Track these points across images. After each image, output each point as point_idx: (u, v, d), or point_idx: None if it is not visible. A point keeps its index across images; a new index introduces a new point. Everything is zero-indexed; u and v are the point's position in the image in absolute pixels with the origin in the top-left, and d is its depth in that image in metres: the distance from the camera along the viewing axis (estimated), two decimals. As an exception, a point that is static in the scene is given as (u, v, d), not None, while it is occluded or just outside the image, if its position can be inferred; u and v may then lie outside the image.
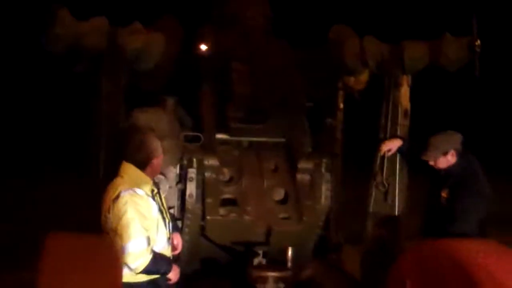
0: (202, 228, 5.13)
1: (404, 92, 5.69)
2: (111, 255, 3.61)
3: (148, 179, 4.07)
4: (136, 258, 3.81)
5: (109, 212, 3.93)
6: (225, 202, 5.26)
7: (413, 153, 5.34)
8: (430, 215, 5.15)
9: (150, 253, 3.87)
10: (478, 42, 5.30)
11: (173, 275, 4.09)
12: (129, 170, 4.10)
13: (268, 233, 5.10)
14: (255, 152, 5.60)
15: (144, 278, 3.98)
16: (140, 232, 3.84)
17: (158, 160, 4.18)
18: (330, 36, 5.87)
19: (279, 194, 5.43)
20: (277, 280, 4.56)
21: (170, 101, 5.81)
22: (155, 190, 4.20)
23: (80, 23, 4.94)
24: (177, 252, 4.42)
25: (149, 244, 3.87)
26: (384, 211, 5.63)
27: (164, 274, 4.02)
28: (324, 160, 5.41)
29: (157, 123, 5.51)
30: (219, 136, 5.55)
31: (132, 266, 3.82)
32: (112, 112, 5.19)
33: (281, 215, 5.25)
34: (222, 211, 5.13)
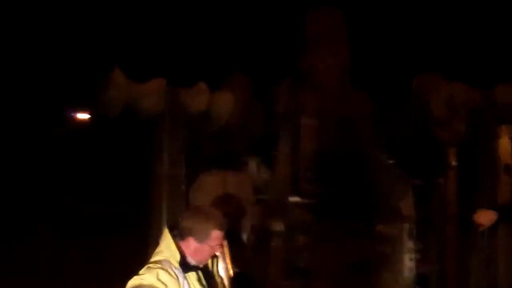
0: None
1: (504, 144, 4.89)
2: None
3: (178, 256, 3.53)
4: None
5: None
6: (295, 272, 4.74)
7: None
8: None
9: None
10: None
11: None
12: (165, 238, 3.66)
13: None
14: (333, 216, 5.05)
15: None
16: None
17: (200, 245, 3.36)
18: (416, 84, 5.25)
19: (357, 263, 4.80)
20: None
21: (252, 163, 5.51)
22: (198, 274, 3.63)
23: (136, 85, 4.79)
24: None
25: None
26: (486, 283, 4.77)
27: None
28: (406, 226, 4.72)
29: (223, 187, 5.21)
30: (293, 199, 5.09)
31: None
32: (173, 174, 4.94)
33: None
34: (286, 283, 4.60)
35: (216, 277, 3.69)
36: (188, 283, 3.45)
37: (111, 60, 4.91)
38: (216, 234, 3.47)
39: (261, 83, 5.79)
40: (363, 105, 5.39)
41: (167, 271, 3.35)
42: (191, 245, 3.45)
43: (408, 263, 4.68)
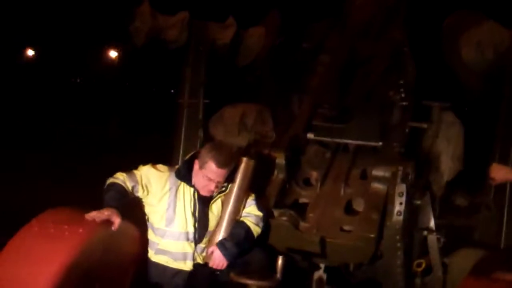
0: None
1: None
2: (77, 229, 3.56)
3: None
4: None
5: None
6: (295, 206, 4.82)
7: None
8: None
9: (116, 180, 3.93)
10: None
11: (96, 213, 3.64)
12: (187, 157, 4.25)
13: (323, 244, 4.49)
14: (352, 155, 5.01)
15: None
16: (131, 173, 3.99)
17: (198, 170, 4.07)
18: (446, 25, 4.89)
19: (359, 204, 4.74)
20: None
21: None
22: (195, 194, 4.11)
23: (161, 17, 5.13)
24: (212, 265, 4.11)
25: (124, 182, 3.94)
26: (489, 241, 4.45)
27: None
28: (400, 168, 4.50)
29: (242, 119, 5.38)
30: (309, 135, 5.13)
31: None
32: (192, 104, 5.25)
33: (346, 227, 4.57)
34: (276, 213, 4.70)
35: (213, 210, 4.19)
36: (177, 190, 4.10)
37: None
38: (210, 166, 4.08)
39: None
40: (389, 45, 5.16)
41: (159, 170, 4.11)
42: (195, 166, 4.12)
43: (398, 207, 4.51)
